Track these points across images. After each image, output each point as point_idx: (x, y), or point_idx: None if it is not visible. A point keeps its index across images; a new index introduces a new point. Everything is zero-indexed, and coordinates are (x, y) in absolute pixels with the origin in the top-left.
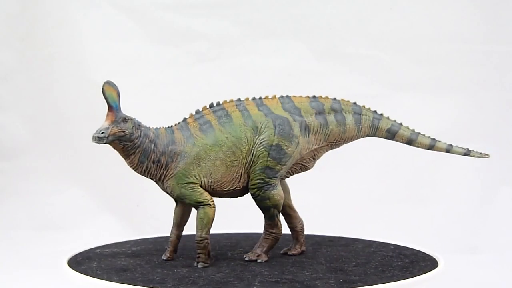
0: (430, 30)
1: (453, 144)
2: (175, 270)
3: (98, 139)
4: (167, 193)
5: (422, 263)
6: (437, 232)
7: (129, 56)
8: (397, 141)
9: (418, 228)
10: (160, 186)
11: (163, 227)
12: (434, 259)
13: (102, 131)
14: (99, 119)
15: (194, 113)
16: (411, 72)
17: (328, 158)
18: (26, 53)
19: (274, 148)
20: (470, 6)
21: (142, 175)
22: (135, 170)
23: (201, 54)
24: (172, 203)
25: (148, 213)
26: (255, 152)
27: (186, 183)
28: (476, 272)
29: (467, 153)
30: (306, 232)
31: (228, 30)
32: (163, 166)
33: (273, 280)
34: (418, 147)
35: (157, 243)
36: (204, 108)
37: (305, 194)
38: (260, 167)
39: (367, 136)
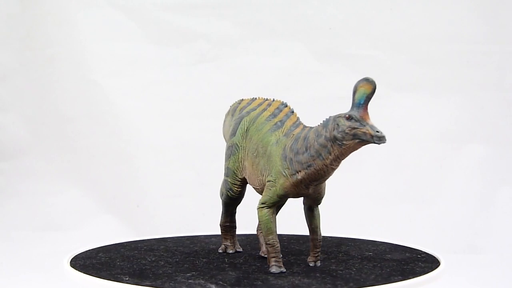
0: (430, 30)
1: None
2: (176, 270)
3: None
4: (314, 196)
5: (423, 263)
6: (438, 232)
7: (129, 56)
8: None
9: (418, 227)
10: (312, 188)
11: (163, 228)
12: (435, 258)
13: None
14: (99, 119)
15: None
16: (410, 73)
17: None
18: (26, 53)
19: None
20: (470, 6)
21: (324, 179)
22: (329, 174)
23: (201, 54)
24: (172, 204)
25: (148, 213)
26: None
27: None
28: (476, 272)
29: None
30: (306, 233)
31: (228, 30)
32: None
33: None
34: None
35: (157, 243)
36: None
37: None
38: None
39: None
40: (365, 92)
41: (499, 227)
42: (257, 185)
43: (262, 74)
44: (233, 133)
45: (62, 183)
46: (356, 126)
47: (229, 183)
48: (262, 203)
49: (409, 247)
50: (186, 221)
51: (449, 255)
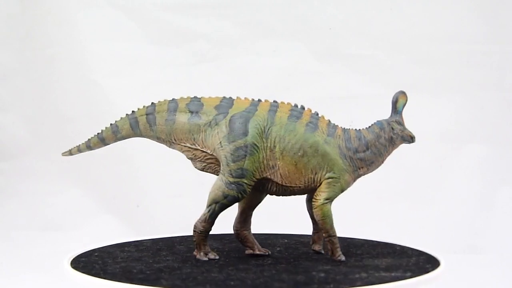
0: (430, 30)
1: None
2: (177, 270)
3: None
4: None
5: (423, 263)
6: (438, 232)
7: (129, 56)
8: None
9: (418, 228)
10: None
11: (163, 228)
12: (435, 259)
13: None
14: (99, 119)
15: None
16: (410, 72)
17: None
18: (26, 53)
19: None
20: (470, 6)
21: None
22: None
23: (201, 54)
24: (172, 204)
25: (148, 213)
26: None
27: None
28: (476, 272)
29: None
30: (308, 232)
31: (228, 30)
32: None
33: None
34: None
35: (157, 243)
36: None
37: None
38: None
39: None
40: (403, 102)
41: (499, 227)
42: (301, 183)
43: (262, 74)
44: (243, 133)
45: (62, 183)
46: (403, 129)
47: (244, 184)
48: (327, 199)
49: (409, 247)
50: (186, 221)
51: (449, 255)
